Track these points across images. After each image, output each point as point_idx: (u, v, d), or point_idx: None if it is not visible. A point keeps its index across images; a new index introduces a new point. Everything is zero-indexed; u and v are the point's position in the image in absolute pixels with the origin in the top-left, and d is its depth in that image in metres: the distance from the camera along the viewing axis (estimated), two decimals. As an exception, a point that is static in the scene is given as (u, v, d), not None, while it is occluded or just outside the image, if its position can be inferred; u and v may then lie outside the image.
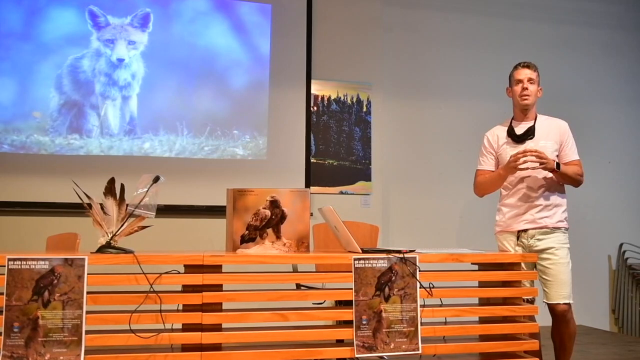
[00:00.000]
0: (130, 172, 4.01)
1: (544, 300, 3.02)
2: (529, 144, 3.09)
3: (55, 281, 2.23)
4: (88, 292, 2.26)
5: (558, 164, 3.01)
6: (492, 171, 3.20)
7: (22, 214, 4.43)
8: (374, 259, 2.53)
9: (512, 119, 3.24)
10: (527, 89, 3.11)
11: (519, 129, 3.15)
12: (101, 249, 2.40)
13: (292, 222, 2.69)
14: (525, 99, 3.12)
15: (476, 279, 2.83)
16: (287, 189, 2.72)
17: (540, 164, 2.95)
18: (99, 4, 4.67)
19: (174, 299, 2.38)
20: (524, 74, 3.14)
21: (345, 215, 2.95)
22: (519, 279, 2.80)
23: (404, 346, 2.50)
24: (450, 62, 5.57)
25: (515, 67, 3.19)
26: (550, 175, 3.06)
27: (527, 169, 3.00)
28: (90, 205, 2.44)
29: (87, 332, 2.25)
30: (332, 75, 5.15)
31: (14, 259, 2.21)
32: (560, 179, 3.06)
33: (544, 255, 3.01)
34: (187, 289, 2.44)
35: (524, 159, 2.94)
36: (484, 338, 2.73)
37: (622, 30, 6.08)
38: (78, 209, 2.72)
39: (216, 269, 2.46)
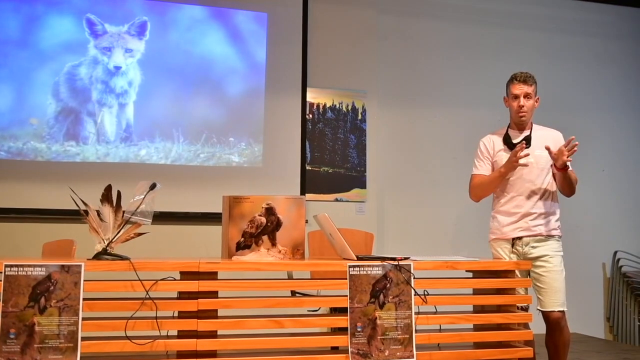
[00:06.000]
0: (127, 179, 4.03)
1: (538, 308, 3.04)
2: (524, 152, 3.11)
3: (52, 287, 2.23)
4: (84, 299, 2.27)
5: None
6: (488, 176, 3.21)
7: (18, 220, 4.43)
8: (368, 266, 2.54)
9: (508, 127, 3.26)
10: (523, 106, 3.10)
11: (516, 138, 3.17)
12: (97, 256, 2.41)
13: (287, 229, 2.71)
14: (522, 117, 3.13)
15: (470, 286, 2.84)
16: (282, 196, 2.74)
17: (559, 151, 2.92)
18: (96, 12, 4.69)
19: (169, 306, 2.39)
20: (521, 89, 3.11)
21: (340, 223, 2.96)
22: (513, 287, 2.81)
23: (398, 353, 2.51)
24: (444, 70, 5.61)
25: (512, 80, 3.16)
26: (545, 185, 3.08)
27: (526, 165, 3.02)
28: (86, 212, 2.45)
29: (83, 338, 2.25)
30: (328, 83, 5.18)
31: (11, 265, 2.22)
32: (562, 181, 3.05)
33: (538, 263, 3.03)
34: (183, 295, 2.44)
35: (524, 159, 2.96)
36: (479, 345, 2.74)
37: (616, 39, 6.13)
38: (74, 216, 2.73)
39: (212, 275, 2.47)
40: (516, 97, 3.13)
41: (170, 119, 4.77)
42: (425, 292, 2.58)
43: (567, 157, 2.91)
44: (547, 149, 2.97)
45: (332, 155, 5.14)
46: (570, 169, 3.12)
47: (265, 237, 2.68)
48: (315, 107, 5.14)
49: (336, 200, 5.11)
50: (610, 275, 5.85)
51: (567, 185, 3.08)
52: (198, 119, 4.83)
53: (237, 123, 4.92)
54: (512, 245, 3.11)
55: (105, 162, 4.61)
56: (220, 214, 2.78)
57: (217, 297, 2.48)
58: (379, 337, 2.50)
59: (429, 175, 5.46)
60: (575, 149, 2.89)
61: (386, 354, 2.49)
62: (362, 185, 5.18)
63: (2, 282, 2.21)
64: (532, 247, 3.06)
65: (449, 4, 5.70)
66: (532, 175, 3.10)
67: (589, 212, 5.76)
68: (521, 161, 2.98)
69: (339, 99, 5.20)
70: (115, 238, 2.45)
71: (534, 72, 3.23)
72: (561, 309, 2.99)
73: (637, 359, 4.52)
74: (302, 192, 4.96)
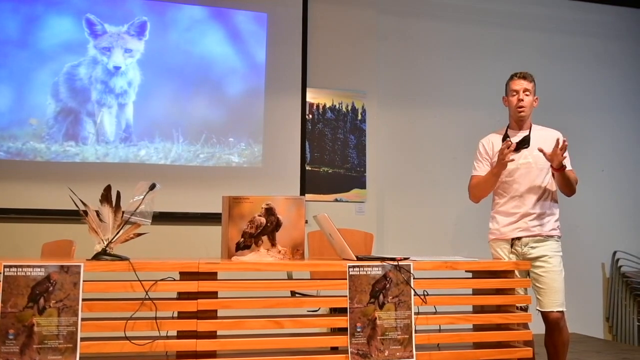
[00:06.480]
0: (126, 179, 4.03)
1: (537, 308, 3.04)
2: (523, 153, 3.12)
3: (51, 288, 2.23)
4: (83, 299, 2.26)
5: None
6: (483, 176, 3.21)
7: (18, 220, 4.43)
8: (368, 266, 2.54)
9: (508, 127, 3.26)
10: (522, 100, 3.13)
11: (515, 138, 3.18)
12: (97, 256, 2.41)
13: (287, 230, 2.71)
14: (521, 111, 3.14)
15: (470, 286, 2.84)
16: (282, 196, 2.73)
17: (553, 152, 2.93)
18: (96, 12, 4.69)
19: (169, 306, 2.38)
20: (520, 85, 3.15)
21: (340, 223, 2.96)
22: (512, 287, 2.81)
23: (398, 353, 2.51)
24: (444, 70, 5.61)
25: (512, 77, 3.20)
26: (544, 185, 3.09)
27: (512, 160, 3.02)
28: (86, 212, 2.45)
29: (82, 339, 2.25)
30: (327, 84, 5.17)
31: (10, 266, 2.22)
32: (561, 180, 3.06)
33: (537, 263, 3.03)
34: (182, 296, 2.44)
35: (509, 154, 2.97)
36: (478, 345, 2.74)
37: (616, 39, 6.13)
38: (74, 216, 2.73)
39: (211, 276, 2.46)
40: (516, 92, 3.15)
41: (169, 119, 4.77)
42: (425, 293, 2.58)
43: (562, 156, 2.92)
44: (541, 150, 2.98)
45: (332, 155, 5.14)
46: (570, 168, 3.12)
47: (264, 238, 2.68)
48: (315, 107, 5.14)
49: (336, 200, 5.11)
50: (609, 276, 5.85)
51: (566, 185, 3.08)
52: (198, 119, 4.83)
53: (237, 123, 4.92)
54: (511, 246, 3.11)
55: (105, 162, 4.61)
56: (220, 214, 2.78)
57: (216, 298, 2.48)
58: (378, 338, 2.50)
59: (429, 175, 5.46)
60: (566, 143, 2.91)
61: (386, 354, 2.49)
62: (362, 185, 5.18)
63: (1, 283, 2.20)
64: (531, 247, 3.06)
65: (449, 4, 5.71)
66: (532, 175, 3.11)
67: (588, 212, 5.76)
68: (509, 157, 2.99)
69: (338, 99, 5.20)
70: (115, 238, 2.45)
71: (534, 72, 3.26)
72: (560, 309, 3.00)
73: (636, 359, 4.53)
74: (302, 193, 4.96)
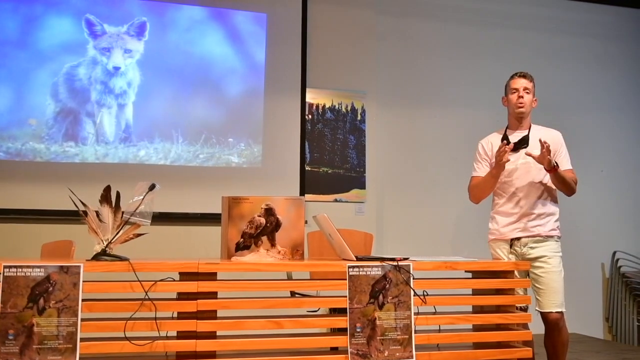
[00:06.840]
0: (126, 180, 4.03)
1: (537, 309, 3.04)
2: (522, 153, 3.12)
3: (51, 288, 2.23)
4: (83, 300, 2.27)
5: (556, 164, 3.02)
6: (482, 177, 3.22)
7: (18, 221, 4.43)
8: (368, 266, 2.54)
9: (507, 127, 3.27)
10: (522, 97, 3.15)
11: (514, 138, 3.18)
12: (96, 257, 2.41)
13: (286, 230, 2.71)
14: (521, 107, 3.16)
15: (470, 286, 2.84)
16: (281, 196, 2.73)
17: (541, 155, 2.94)
18: (95, 12, 4.69)
19: (168, 307, 2.39)
20: (520, 83, 3.18)
21: (340, 223, 2.96)
22: (512, 287, 2.81)
23: (397, 354, 2.51)
24: (444, 70, 5.61)
25: (512, 77, 3.24)
26: (544, 182, 3.09)
27: (508, 161, 3.03)
28: (85, 213, 2.45)
29: (82, 339, 2.25)
30: (327, 84, 5.17)
31: (10, 266, 2.22)
32: (556, 181, 3.07)
33: (537, 264, 3.04)
34: (182, 296, 2.44)
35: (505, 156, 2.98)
36: (478, 346, 2.74)
37: (616, 40, 6.13)
38: (73, 217, 2.73)
39: (211, 276, 2.46)
40: (516, 90, 3.18)
41: (169, 120, 4.77)
42: (425, 293, 2.58)
43: (549, 157, 2.92)
44: (529, 154, 3.00)
45: (332, 155, 5.14)
46: (570, 168, 3.13)
47: (264, 238, 2.68)
48: (314, 107, 5.14)
49: (335, 200, 5.11)
50: (609, 276, 5.85)
51: (561, 185, 3.09)
52: (197, 119, 4.83)
53: (237, 123, 4.92)
54: (511, 246, 3.11)
55: (105, 162, 4.61)
56: (220, 214, 2.78)
57: (216, 298, 2.48)
58: (378, 338, 2.50)
59: (429, 176, 5.46)
60: (547, 143, 2.93)
61: (385, 354, 2.49)
62: (362, 185, 5.18)
63: (1, 283, 2.20)
64: (531, 247, 3.06)
65: (448, 4, 5.71)
66: (531, 175, 3.11)
67: (588, 212, 5.76)
68: (506, 158, 3.00)
69: (338, 100, 5.20)
70: (115, 239, 2.45)
71: (533, 72, 3.29)
72: (560, 310, 3.00)
73: (636, 359, 4.53)
74: (302, 193, 4.96)
